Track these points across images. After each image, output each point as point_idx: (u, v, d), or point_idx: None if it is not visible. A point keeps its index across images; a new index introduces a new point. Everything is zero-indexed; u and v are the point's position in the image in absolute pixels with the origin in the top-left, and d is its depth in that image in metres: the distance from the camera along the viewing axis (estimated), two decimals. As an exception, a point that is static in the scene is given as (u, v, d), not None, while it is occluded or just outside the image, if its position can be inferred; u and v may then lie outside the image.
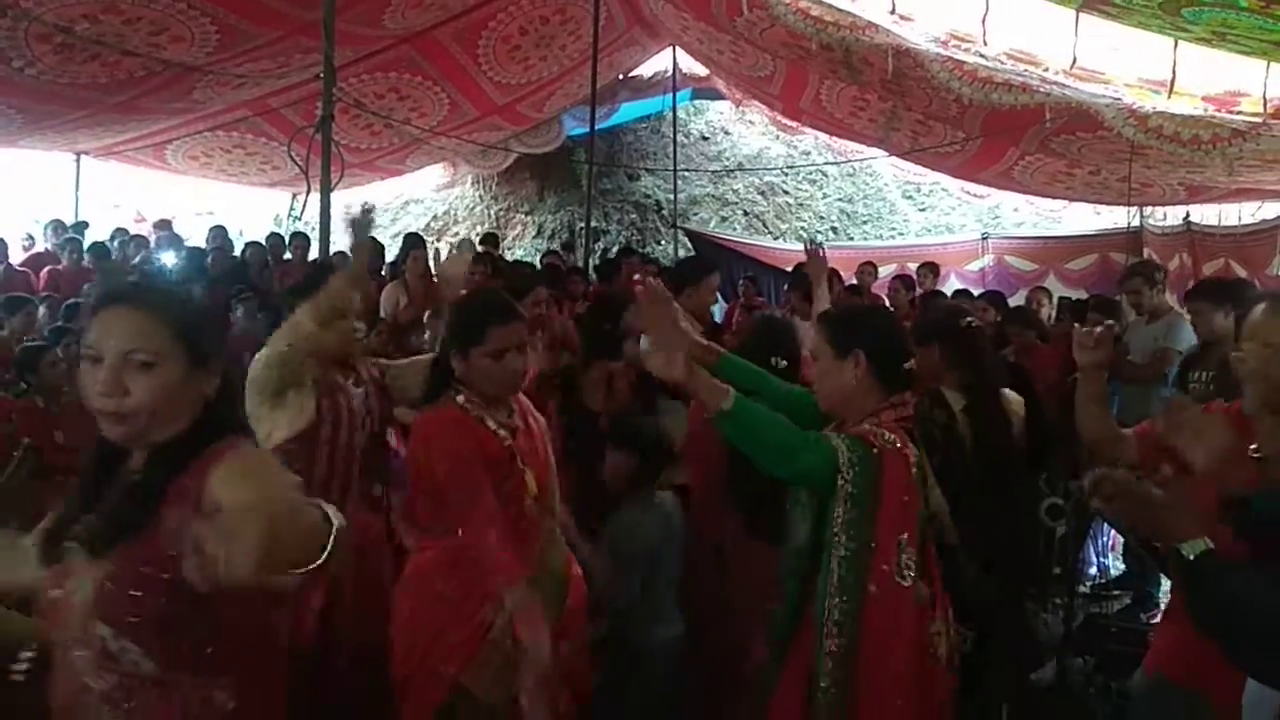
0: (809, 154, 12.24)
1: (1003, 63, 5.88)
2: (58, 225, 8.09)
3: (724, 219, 12.43)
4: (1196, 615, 1.60)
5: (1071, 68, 5.64)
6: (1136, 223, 8.34)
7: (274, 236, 8.72)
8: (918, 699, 2.03)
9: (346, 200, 8.03)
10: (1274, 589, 1.49)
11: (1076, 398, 2.46)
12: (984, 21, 5.61)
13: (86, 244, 7.81)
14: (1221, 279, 6.17)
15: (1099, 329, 2.38)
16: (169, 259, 7.49)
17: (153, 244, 8.10)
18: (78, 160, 8.85)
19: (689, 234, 11.23)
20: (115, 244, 8.04)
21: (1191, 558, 1.56)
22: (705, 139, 12.84)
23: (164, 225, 8.74)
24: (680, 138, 11.26)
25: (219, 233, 8.32)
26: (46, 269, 7.34)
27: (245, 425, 1.55)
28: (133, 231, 8.61)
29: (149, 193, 10.29)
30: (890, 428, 2.15)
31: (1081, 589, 4.73)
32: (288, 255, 7.91)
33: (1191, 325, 4.61)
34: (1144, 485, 1.70)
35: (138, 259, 7.33)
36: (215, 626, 1.37)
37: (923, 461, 2.20)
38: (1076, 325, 6.34)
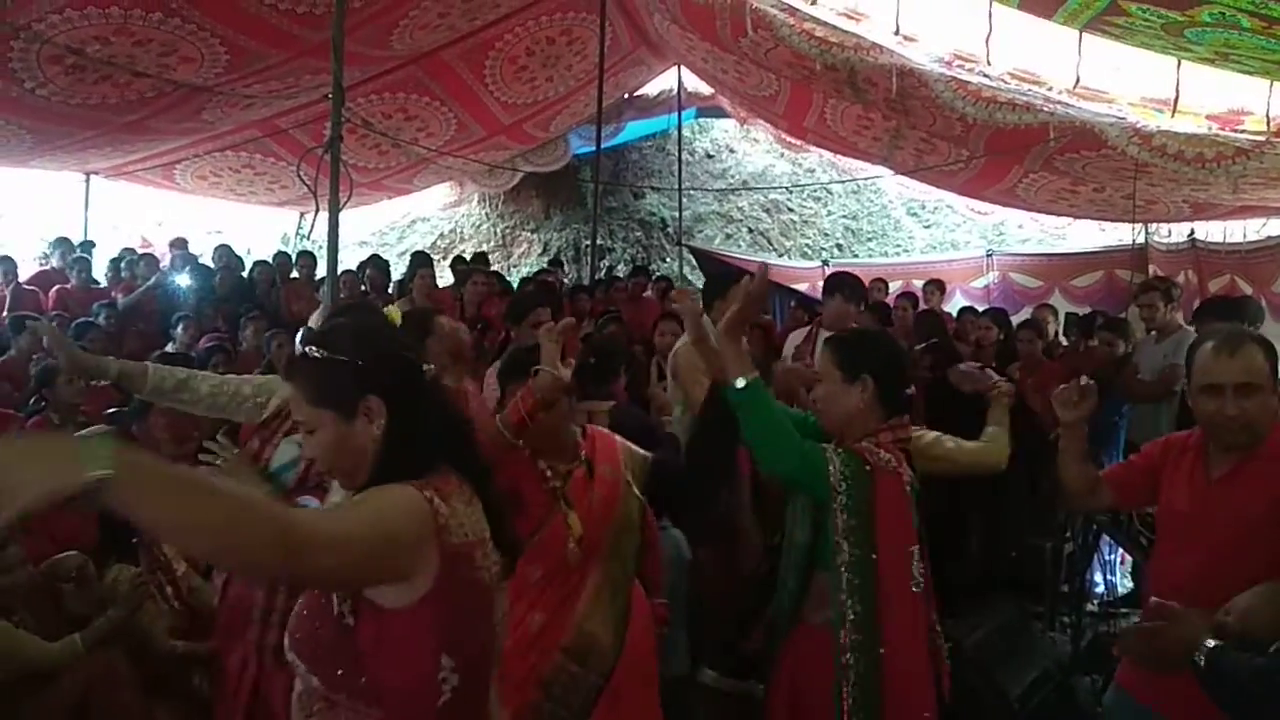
0: (813, 172, 12.29)
1: (1006, 82, 5.90)
2: (64, 244, 8.10)
3: (729, 236, 12.45)
4: (1223, 707, 1.68)
5: (1075, 87, 5.67)
6: (1141, 239, 8.32)
7: (281, 256, 8.76)
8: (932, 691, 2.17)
9: (355, 219, 8.02)
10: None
11: (1059, 451, 2.43)
12: (988, 42, 5.64)
13: (94, 263, 7.85)
14: (1229, 297, 6.17)
15: (1083, 382, 2.32)
16: (183, 279, 7.49)
17: (166, 263, 8.13)
18: (87, 180, 8.91)
19: (694, 251, 11.25)
20: (123, 263, 8.06)
21: (1203, 663, 1.64)
22: (710, 157, 12.90)
23: (180, 244, 8.72)
24: (685, 156, 11.31)
25: (224, 252, 8.34)
26: (55, 288, 7.30)
27: (464, 454, 1.58)
28: (140, 252, 8.64)
29: (157, 212, 10.34)
30: (887, 448, 2.22)
31: (1089, 607, 4.71)
32: (294, 274, 7.96)
33: (1199, 345, 4.59)
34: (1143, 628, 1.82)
35: (152, 280, 7.34)
36: (362, 657, 1.44)
37: (915, 483, 2.26)
38: (1082, 342, 6.32)
